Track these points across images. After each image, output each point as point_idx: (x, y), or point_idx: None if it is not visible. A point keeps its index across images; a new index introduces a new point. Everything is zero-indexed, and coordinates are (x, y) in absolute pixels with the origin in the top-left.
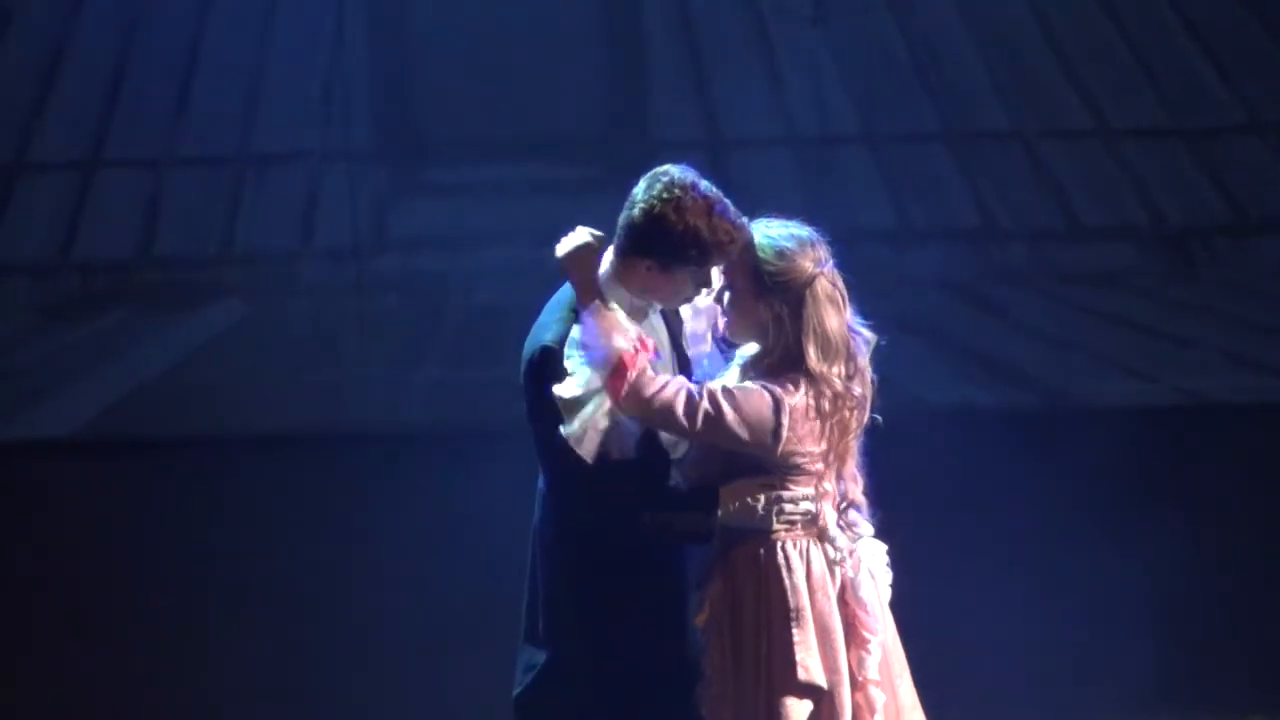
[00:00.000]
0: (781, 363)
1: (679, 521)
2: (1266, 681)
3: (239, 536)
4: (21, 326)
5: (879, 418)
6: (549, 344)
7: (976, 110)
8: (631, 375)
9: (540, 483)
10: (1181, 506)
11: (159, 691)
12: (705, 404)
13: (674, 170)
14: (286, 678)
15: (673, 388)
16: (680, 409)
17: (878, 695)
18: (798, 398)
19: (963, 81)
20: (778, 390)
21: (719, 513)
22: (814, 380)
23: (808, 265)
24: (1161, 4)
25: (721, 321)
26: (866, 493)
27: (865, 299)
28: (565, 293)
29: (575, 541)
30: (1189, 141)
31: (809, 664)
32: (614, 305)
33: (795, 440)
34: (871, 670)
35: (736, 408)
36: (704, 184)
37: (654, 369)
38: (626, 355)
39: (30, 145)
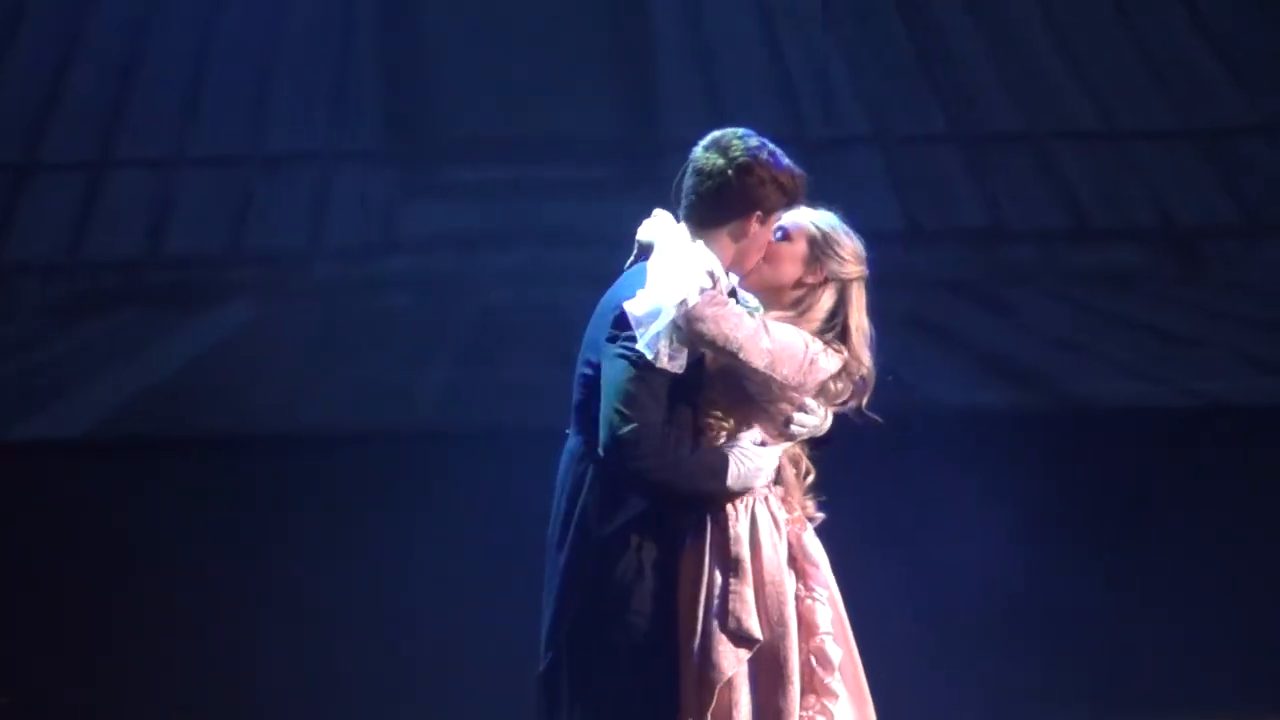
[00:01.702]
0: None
1: (703, 484)
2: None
3: (249, 534)
4: (32, 326)
5: (879, 418)
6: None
7: (986, 111)
8: (708, 294)
9: (572, 444)
10: (1192, 507)
11: (169, 687)
12: (759, 323)
13: (732, 130)
14: (297, 675)
15: (736, 306)
16: (746, 324)
17: (834, 650)
18: (819, 351)
19: (972, 83)
20: (807, 334)
21: (734, 471)
22: (845, 354)
23: (860, 261)
24: (1172, 5)
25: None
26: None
27: (874, 299)
28: (640, 270)
29: (617, 515)
30: (1199, 143)
31: (742, 616)
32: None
33: (804, 387)
34: (825, 623)
35: (774, 334)
36: (752, 132)
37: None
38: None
39: (40, 145)
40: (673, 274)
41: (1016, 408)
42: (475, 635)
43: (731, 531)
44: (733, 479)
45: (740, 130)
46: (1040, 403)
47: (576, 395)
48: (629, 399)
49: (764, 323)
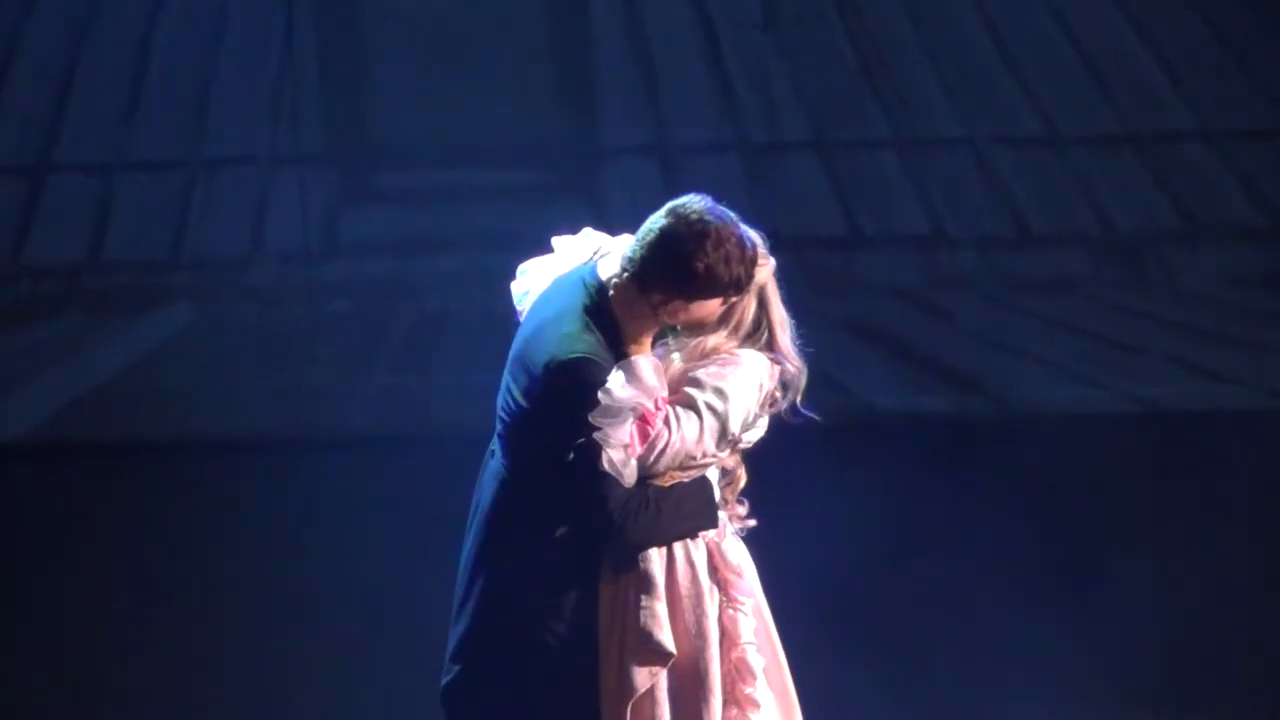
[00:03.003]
0: (740, 343)
1: (688, 526)
2: (1218, 687)
3: (188, 541)
4: None
5: (816, 416)
6: (587, 355)
7: (926, 117)
8: (651, 432)
9: (495, 466)
10: (1130, 514)
11: (106, 698)
12: (695, 420)
13: (704, 212)
14: (235, 683)
15: (680, 428)
16: (689, 432)
17: (756, 659)
18: (764, 375)
19: (912, 88)
20: (752, 366)
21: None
22: (775, 358)
23: (766, 256)
24: (1112, 11)
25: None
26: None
27: (814, 304)
28: (571, 299)
29: (533, 529)
30: (1139, 148)
31: (654, 631)
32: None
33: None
34: (747, 632)
35: (721, 407)
36: (726, 216)
37: (665, 420)
38: (648, 414)
39: None
40: (619, 408)
41: (957, 412)
42: (413, 638)
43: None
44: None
45: (711, 215)
46: (980, 407)
47: (502, 424)
48: (593, 482)
49: (706, 404)
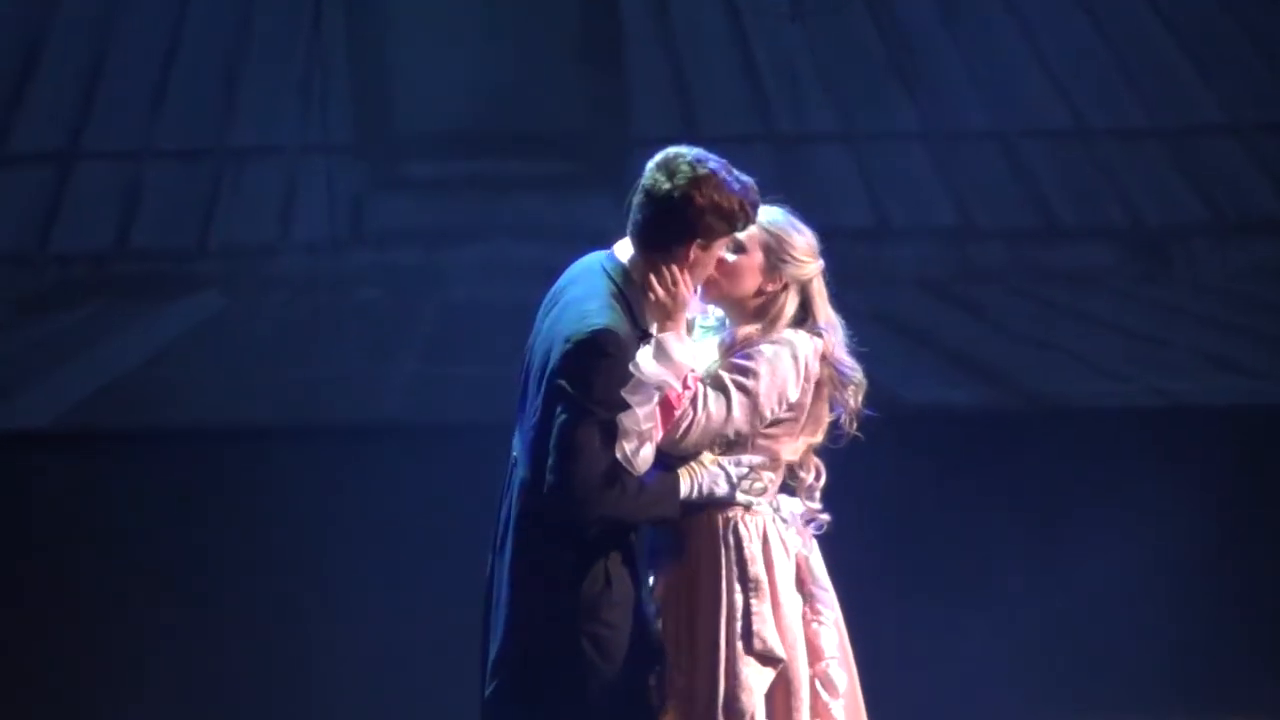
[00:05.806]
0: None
1: (651, 512)
2: (1242, 681)
3: (214, 530)
4: None
5: (873, 413)
6: (608, 326)
7: (954, 109)
8: (675, 413)
9: (521, 475)
10: (1157, 508)
11: (131, 688)
12: (723, 401)
13: (683, 151)
14: (263, 674)
15: (706, 406)
16: (715, 413)
17: (838, 675)
18: (809, 354)
19: (941, 80)
20: (792, 347)
21: (687, 487)
22: (817, 331)
23: (815, 254)
24: (1141, 4)
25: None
26: (830, 489)
27: (842, 297)
28: (591, 284)
29: (553, 534)
30: (1168, 142)
31: (766, 635)
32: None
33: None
34: (830, 647)
35: (762, 369)
36: (705, 153)
37: (693, 400)
38: (673, 394)
39: (7, 137)
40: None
41: (984, 405)
42: (439, 627)
43: (747, 552)
44: (686, 494)
45: (691, 153)
46: (1007, 400)
47: (524, 431)
48: (570, 446)
49: (734, 381)
